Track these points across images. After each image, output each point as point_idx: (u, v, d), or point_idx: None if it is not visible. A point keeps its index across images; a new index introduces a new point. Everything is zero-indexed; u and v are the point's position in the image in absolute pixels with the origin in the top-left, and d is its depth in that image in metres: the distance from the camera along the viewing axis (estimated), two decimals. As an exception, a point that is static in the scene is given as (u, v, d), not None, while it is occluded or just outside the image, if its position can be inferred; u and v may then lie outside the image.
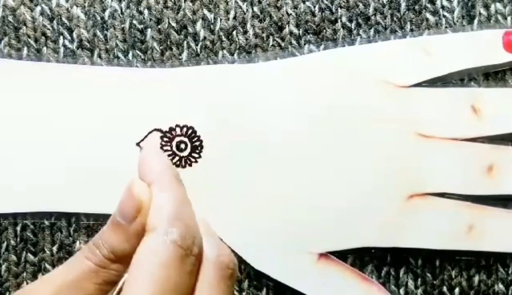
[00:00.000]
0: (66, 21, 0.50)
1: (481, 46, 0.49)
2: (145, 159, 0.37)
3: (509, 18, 0.50)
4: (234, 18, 0.50)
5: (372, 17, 0.50)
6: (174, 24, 0.50)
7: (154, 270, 0.33)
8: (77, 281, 0.35)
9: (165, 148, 0.49)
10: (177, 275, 0.33)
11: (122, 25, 0.50)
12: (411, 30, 0.50)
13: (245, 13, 0.50)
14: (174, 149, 0.49)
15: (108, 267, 0.35)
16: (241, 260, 0.48)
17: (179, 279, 0.33)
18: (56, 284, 0.35)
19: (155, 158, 0.37)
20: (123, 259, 0.35)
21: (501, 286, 0.49)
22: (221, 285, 0.35)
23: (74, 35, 0.50)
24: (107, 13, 0.50)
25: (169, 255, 0.33)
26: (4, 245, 0.49)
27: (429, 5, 0.50)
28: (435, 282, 0.50)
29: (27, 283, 0.49)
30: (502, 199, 0.49)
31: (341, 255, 0.49)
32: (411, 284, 0.50)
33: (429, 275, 0.50)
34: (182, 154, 0.49)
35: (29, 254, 0.49)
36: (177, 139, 0.49)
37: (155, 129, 0.49)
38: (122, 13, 0.50)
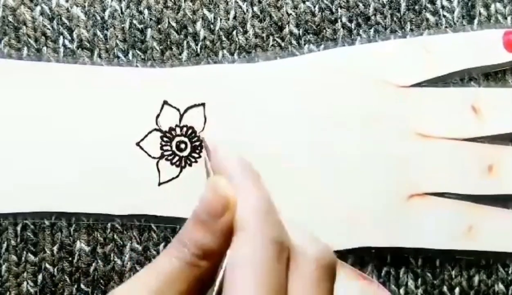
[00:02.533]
0: (66, 21, 0.50)
1: (481, 46, 0.49)
2: (224, 157, 0.36)
3: (509, 18, 0.50)
4: (234, 18, 0.50)
5: (372, 17, 0.50)
6: (174, 24, 0.50)
7: (254, 271, 0.32)
8: (169, 281, 0.34)
9: (165, 147, 0.49)
10: (277, 272, 0.33)
11: (122, 25, 0.50)
12: (411, 30, 0.50)
13: (245, 13, 0.50)
14: (174, 148, 0.49)
15: (197, 264, 0.34)
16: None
17: (278, 276, 0.33)
18: (148, 287, 0.34)
19: (233, 156, 0.36)
20: (210, 256, 0.34)
21: (501, 286, 0.49)
22: (323, 284, 0.34)
23: (74, 35, 0.50)
24: (107, 13, 0.50)
25: (268, 253, 0.32)
26: (5, 245, 0.49)
27: (429, 5, 0.50)
28: (435, 282, 0.50)
29: (27, 283, 0.49)
30: (501, 198, 0.49)
31: (341, 255, 0.49)
32: (411, 284, 0.50)
33: (429, 275, 0.50)
34: (182, 154, 0.49)
35: (29, 254, 0.49)
36: (177, 139, 0.49)
37: (155, 129, 0.49)
38: (122, 13, 0.50)
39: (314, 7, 0.50)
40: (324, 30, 0.50)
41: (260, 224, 0.33)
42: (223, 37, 0.50)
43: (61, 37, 0.50)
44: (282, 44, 0.50)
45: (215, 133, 0.49)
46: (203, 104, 0.49)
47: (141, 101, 0.49)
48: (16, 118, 0.49)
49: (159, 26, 0.50)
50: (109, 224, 0.49)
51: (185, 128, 0.49)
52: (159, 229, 0.49)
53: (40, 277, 0.50)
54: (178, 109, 0.49)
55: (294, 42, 0.50)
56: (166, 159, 0.49)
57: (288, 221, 0.35)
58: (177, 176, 0.49)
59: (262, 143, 0.49)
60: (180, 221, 0.49)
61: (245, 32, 0.50)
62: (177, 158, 0.49)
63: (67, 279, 0.50)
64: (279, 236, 0.33)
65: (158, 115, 0.49)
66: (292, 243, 0.34)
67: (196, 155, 0.49)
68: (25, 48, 0.50)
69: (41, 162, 0.49)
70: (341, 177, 0.49)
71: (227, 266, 0.33)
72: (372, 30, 0.50)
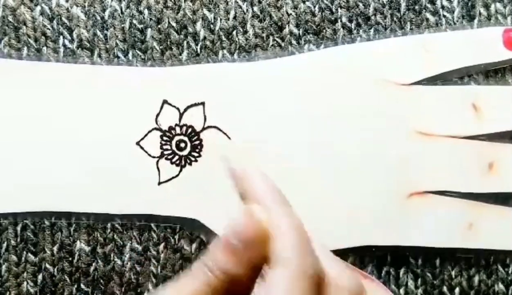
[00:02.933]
0: (66, 21, 0.50)
1: (481, 44, 0.49)
2: (251, 180, 0.35)
3: (509, 18, 0.50)
4: (234, 18, 0.50)
5: (372, 17, 0.50)
6: (174, 24, 0.50)
7: None
8: None
9: (165, 147, 0.49)
10: None
11: (122, 25, 0.50)
12: (411, 30, 0.50)
13: (245, 13, 0.50)
14: (174, 148, 0.49)
15: (220, 289, 0.34)
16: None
17: None
18: None
19: (260, 178, 0.35)
20: (234, 282, 0.34)
21: (501, 286, 0.49)
22: None
23: (74, 35, 0.50)
24: (107, 13, 0.50)
25: (305, 288, 0.32)
26: (5, 245, 0.49)
27: (429, 5, 0.50)
28: (435, 282, 0.50)
29: (27, 283, 0.49)
30: (502, 196, 0.49)
31: (342, 254, 0.49)
32: (411, 284, 0.50)
33: (429, 275, 0.50)
34: (182, 153, 0.49)
35: (29, 254, 0.49)
36: (177, 138, 0.49)
37: (155, 129, 0.49)
38: (122, 13, 0.50)
39: (314, 7, 0.50)
40: (324, 30, 0.50)
41: (298, 258, 0.33)
42: (223, 37, 0.50)
43: (61, 37, 0.50)
44: (282, 44, 0.50)
45: (215, 133, 0.49)
46: (203, 104, 0.49)
47: (141, 101, 0.49)
48: (16, 118, 0.49)
49: (159, 26, 0.50)
50: (109, 224, 0.49)
51: (185, 128, 0.49)
52: (159, 229, 0.49)
53: (40, 277, 0.50)
54: (178, 109, 0.49)
55: (294, 42, 0.50)
56: (166, 158, 0.49)
57: (320, 249, 0.35)
58: (177, 175, 0.49)
59: (262, 143, 0.49)
60: (180, 221, 0.49)
61: (245, 32, 0.50)
62: (177, 157, 0.49)
63: (67, 279, 0.50)
64: (316, 270, 0.33)
65: (158, 115, 0.49)
66: (326, 274, 0.34)
67: (196, 154, 0.49)
68: (25, 48, 0.50)
69: (41, 162, 0.49)
70: (341, 176, 0.49)
71: None
72: (372, 30, 0.50)
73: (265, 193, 0.35)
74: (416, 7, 0.50)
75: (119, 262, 0.50)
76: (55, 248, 0.50)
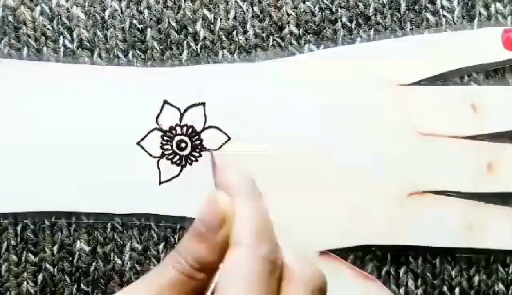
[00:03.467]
0: (66, 21, 0.50)
1: (480, 44, 0.49)
2: (224, 170, 0.37)
3: (509, 18, 0.50)
4: (234, 18, 0.50)
5: (372, 17, 0.50)
6: (174, 24, 0.50)
7: (246, 286, 0.33)
8: (165, 291, 0.35)
9: (165, 147, 0.49)
10: (268, 288, 0.33)
11: (122, 25, 0.50)
12: (411, 30, 0.50)
13: (245, 13, 0.50)
14: (175, 148, 0.49)
15: (194, 276, 0.35)
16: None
17: (269, 292, 0.34)
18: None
19: (233, 169, 0.37)
20: (207, 269, 0.35)
21: (501, 286, 0.49)
22: None
23: (74, 35, 0.50)
24: (107, 13, 0.50)
25: (259, 270, 0.33)
26: (5, 245, 0.49)
27: (429, 5, 0.50)
28: (435, 282, 0.50)
29: (27, 283, 0.49)
30: (501, 196, 0.49)
31: (342, 253, 0.49)
32: (411, 284, 0.50)
33: (429, 275, 0.50)
34: (182, 153, 0.49)
35: (29, 254, 0.49)
36: (178, 138, 0.49)
37: (156, 129, 0.49)
38: (122, 13, 0.50)
39: (314, 7, 0.50)
40: (324, 30, 0.50)
41: (255, 241, 0.34)
42: (223, 37, 0.50)
43: (61, 37, 0.50)
44: (282, 44, 0.50)
45: (215, 133, 0.49)
46: (203, 104, 0.49)
47: (141, 101, 0.49)
48: (16, 118, 0.49)
49: (159, 26, 0.50)
50: (109, 224, 0.49)
51: (185, 128, 0.49)
52: (159, 229, 0.49)
53: (40, 277, 0.49)
54: (178, 109, 0.49)
55: (294, 42, 0.50)
56: (167, 158, 0.49)
57: (284, 242, 0.36)
58: (178, 175, 0.49)
59: (262, 143, 0.49)
60: (180, 220, 0.49)
61: (245, 32, 0.50)
62: (177, 157, 0.49)
63: (67, 279, 0.50)
64: (272, 255, 0.34)
65: (158, 115, 0.49)
66: (286, 263, 0.35)
67: (196, 154, 0.49)
68: (25, 48, 0.50)
69: (41, 162, 0.49)
70: (341, 175, 0.49)
71: (220, 279, 0.34)
72: (372, 30, 0.50)
73: (234, 182, 0.36)
74: (416, 7, 0.50)
75: (119, 261, 0.50)
76: (55, 248, 0.50)
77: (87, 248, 0.49)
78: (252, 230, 0.34)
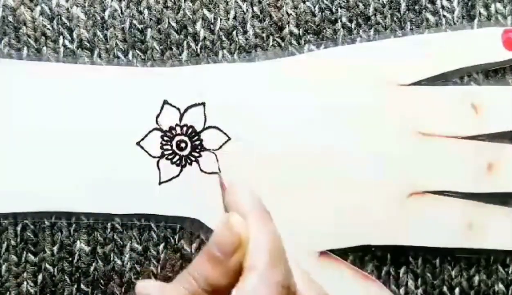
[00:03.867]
0: (66, 21, 0.50)
1: (480, 44, 0.49)
2: (234, 191, 0.37)
3: (509, 18, 0.50)
4: (234, 18, 0.50)
5: (372, 17, 0.50)
6: (174, 24, 0.50)
7: None
8: None
9: (165, 147, 0.49)
10: None
11: (122, 25, 0.50)
12: (411, 30, 0.50)
13: (245, 13, 0.50)
14: (174, 148, 0.49)
15: None
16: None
17: None
18: None
19: (246, 192, 0.37)
20: (218, 292, 0.35)
21: (501, 286, 0.49)
22: None
23: (74, 35, 0.50)
24: (107, 13, 0.50)
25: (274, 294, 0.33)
26: (5, 245, 0.49)
27: (429, 5, 0.50)
28: (435, 282, 0.50)
29: (27, 283, 0.49)
30: (501, 196, 0.49)
31: (342, 254, 0.49)
32: (411, 284, 0.50)
33: (429, 275, 0.50)
34: (182, 153, 0.49)
35: (29, 254, 0.49)
36: (177, 138, 0.49)
37: (156, 129, 0.49)
38: (122, 13, 0.50)
39: (314, 7, 0.50)
40: (324, 30, 0.50)
41: (270, 266, 0.34)
42: (223, 37, 0.50)
43: (61, 37, 0.50)
44: (282, 44, 0.50)
45: (215, 133, 0.49)
46: (203, 104, 0.49)
47: (141, 101, 0.49)
48: (16, 118, 0.49)
49: (159, 26, 0.50)
50: (109, 224, 0.49)
51: (185, 128, 0.49)
52: (159, 229, 0.49)
53: (40, 277, 0.49)
54: (178, 109, 0.49)
55: (294, 42, 0.50)
56: (167, 158, 0.49)
57: (292, 263, 0.36)
58: (178, 175, 0.49)
59: (262, 142, 0.49)
60: (180, 220, 0.49)
61: (245, 32, 0.50)
62: (177, 157, 0.49)
63: (67, 279, 0.50)
64: (286, 280, 0.34)
65: (158, 115, 0.49)
66: (297, 288, 0.35)
67: (196, 154, 0.49)
68: (25, 48, 0.50)
69: (41, 162, 0.49)
70: (341, 175, 0.49)
71: None
72: (372, 30, 0.50)
73: (245, 204, 0.36)
74: (416, 7, 0.50)
75: (119, 262, 0.50)
76: (55, 248, 0.50)
77: (87, 248, 0.49)
78: (267, 254, 0.34)
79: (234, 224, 0.35)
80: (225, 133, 0.49)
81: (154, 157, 0.49)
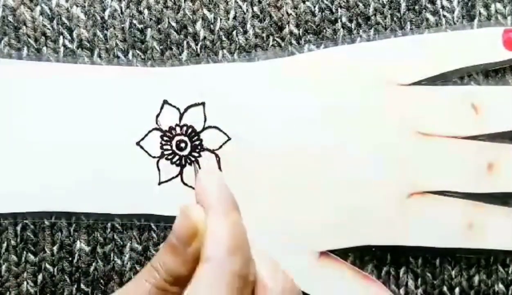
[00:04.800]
0: (66, 21, 0.50)
1: (480, 44, 0.49)
2: (204, 182, 0.37)
3: (509, 18, 0.50)
4: (234, 18, 0.50)
5: (372, 17, 0.50)
6: (174, 24, 0.50)
7: None
8: None
9: (165, 147, 0.49)
10: None
11: (122, 25, 0.50)
12: (411, 30, 0.50)
13: (245, 13, 0.50)
14: (174, 148, 0.49)
15: (167, 289, 0.35)
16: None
17: None
18: None
19: (214, 182, 0.37)
20: (181, 282, 0.35)
21: (501, 286, 0.49)
22: None
23: (74, 35, 0.50)
24: (107, 13, 0.50)
25: (227, 285, 0.33)
26: (4, 245, 0.49)
27: (429, 5, 0.50)
28: (435, 282, 0.50)
29: (27, 283, 0.49)
30: (502, 196, 0.49)
31: (342, 254, 0.49)
32: (411, 283, 0.50)
33: (429, 274, 0.50)
34: (182, 153, 0.49)
35: (29, 254, 0.49)
36: (177, 138, 0.49)
37: (155, 129, 0.49)
38: (122, 13, 0.50)
39: (314, 7, 0.50)
40: (324, 30, 0.50)
41: (225, 256, 0.34)
42: (223, 37, 0.50)
43: (61, 37, 0.50)
44: (282, 44, 0.50)
45: (215, 133, 0.49)
46: (203, 104, 0.49)
47: (141, 101, 0.49)
48: (16, 118, 0.49)
49: (159, 26, 0.50)
50: (109, 224, 0.49)
51: (185, 128, 0.49)
52: (159, 229, 0.49)
53: (40, 277, 0.50)
54: (178, 109, 0.49)
55: (294, 42, 0.50)
56: (166, 158, 0.49)
57: (259, 253, 0.36)
58: (177, 175, 0.49)
59: (262, 142, 0.49)
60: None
61: (245, 32, 0.50)
62: (177, 157, 0.49)
63: (67, 279, 0.50)
64: (243, 270, 0.34)
65: (158, 115, 0.49)
66: (258, 277, 0.35)
67: (196, 154, 0.49)
68: (25, 48, 0.50)
69: (41, 162, 0.49)
70: (341, 175, 0.49)
71: (188, 294, 0.34)
72: (372, 30, 0.50)
73: (209, 196, 0.36)
74: (416, 7, 0.50)
75: (119, 262, 0.50)
76: (55, 248, 0.50)
77: (87, 248, 0.49)
78: (223, 245, 0.34)
79: (191, 214, 0.35)
80: (225, 133, 0.49)
81: (154, 157, 0.49)
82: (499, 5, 0.50)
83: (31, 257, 0.49)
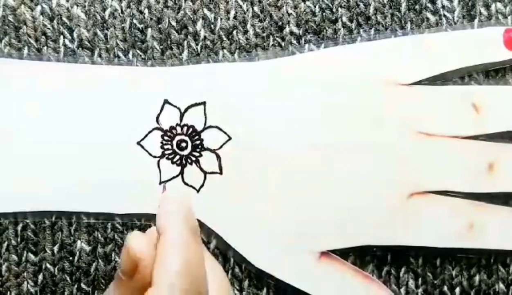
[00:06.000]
0: (66, 21, 0.50)
1: (481, 44, 0.49)
2: (161, 207, 0.38)
3: (509, 17, 0.50)
4: (235, 17, 0.50)
5: (373, 17, 0.50)
6: (174, 24, 0.50)
7: None
8: None
9: (165, 146, 0.49)
10: None
11: (123, 25, 0.50)
12: (411, 30, 0.50)
13: (245, 13, 0.50)
14: (175, 147, 0.49)
15: None
16: (242, 259, 0.48)
17: None
18: None
19: (173, 204, 0.37)
20: None
21: (501, 285, 0.49)
22: None
23: (75, 34, 0.50)
24: (107, 13, 0.50)
25: None
26: (5, 244, 0.49)
27: (429, 5, 0.50)
28: (435, 281, 0.50)
29: (27, 283, 0.49)
30: (503, 196, 0.49)
31: (342, 254, 0.49)
32: (411, 283, 0.50)
33: (429, 274, 0.50)
34: (183, 153, 0.49)
35: (29, 254, 0.49)
36: (178, 138, 0.49)
37: (156, 128, 0.49)
38: (122, 12, 0.50)
39: (315, 6, 0.50)
40: (325, 30, 0.50)
41: (172, 281, 0.34)
42: (223, 37, 0.50)
43: (62, 37, 0.50)
44: (283, 44, 0.50)
45: (216, 133, 0.49)
46: (203, 103, 0.49)
47: (142, 100, 0.49)
48: (16, 118, 0.49)
49: (159, 26, 0.50)
50: (109, 224, 0.49)
51: (185, 127, 0.49)
52: (160, 229, 0.49)
53: (40, 276, 0.50)
54: (178, 108, 0.49)
55: (294, 41, 0.50)
56: (167, 158, 0.49)
57: (213, 281, 0.37)
58: (178, 175, 0.49)
59: (262, 142, 0.49)
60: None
61: (246, 32, 0.50)
62: (178, 156, 0.49)
63: (68, 279, 0.50)
64: (192, 293, 0.34)
65: (158, 114, 0.49)
66: None
67: (196, 154, 0.49)
68: (26, 48, 0.50)
69: (41, 161, 0.49)
70: (341, 175, 0.49)
71: None
72: (372, 30, 0.50)
73: (167, 220, 0.36)
74: (417, 7, 0.50)
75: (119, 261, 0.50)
76: (55, 248, 0.50)
77: (87, 248, 0.49)
78: (169, 271, 0.34)
79: (130, 245, 0.35)
80: (225, 133, 0.49)
81: (154, 157, 0.49)
82: (499, 5, 0.50)
83: (32, 256, 0.49)
